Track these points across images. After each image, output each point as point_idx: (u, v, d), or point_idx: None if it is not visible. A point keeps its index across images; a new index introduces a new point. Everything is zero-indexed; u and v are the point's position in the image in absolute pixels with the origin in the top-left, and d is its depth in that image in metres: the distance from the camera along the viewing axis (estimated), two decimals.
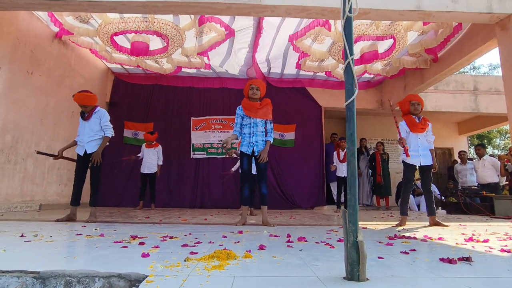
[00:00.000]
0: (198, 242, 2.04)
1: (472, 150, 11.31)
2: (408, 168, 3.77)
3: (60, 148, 3.74)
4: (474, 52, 5.00)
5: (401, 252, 1.82)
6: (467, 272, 1.38)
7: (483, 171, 6.66)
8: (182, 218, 4.18)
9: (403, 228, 3.34)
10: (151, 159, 6.32)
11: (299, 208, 7.38)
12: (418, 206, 7.58)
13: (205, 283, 1.13)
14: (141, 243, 1.97)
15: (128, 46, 5.86)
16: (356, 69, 6.62)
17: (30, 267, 1.27)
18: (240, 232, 2.70)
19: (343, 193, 6.33)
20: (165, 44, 5.86)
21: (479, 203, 6.05)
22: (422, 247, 2.08)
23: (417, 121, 3.74)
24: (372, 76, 7.47)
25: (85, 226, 2.97)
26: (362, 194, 8.03)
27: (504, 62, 4.06)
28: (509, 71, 3.97)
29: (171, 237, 2.25)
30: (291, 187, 7.56)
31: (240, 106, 3.53)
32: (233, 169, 5.93)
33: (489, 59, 33.90)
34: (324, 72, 7.01)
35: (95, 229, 2.71)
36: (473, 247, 2.08)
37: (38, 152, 3.87)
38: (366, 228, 3.28)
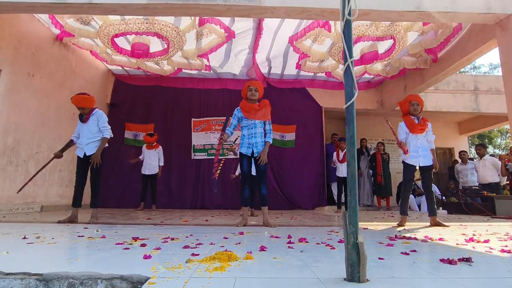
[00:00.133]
0: (200, 244, 2.05)
1: (473, 150, 11.30)
2: (408, 168, 3.78)
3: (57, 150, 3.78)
4: (474, 52, 5.00)
5: (401, 253, 1.83)
6: (467, 273, 1.39)
7: (484, 171, 6.66)
8: (183, 219, 4.19)
9: (404, 229, 3.34)
10: (152, 161, 6.34)
11: (300, 208, 7.38)
12: (419, 206, 7.58)
13: (206, 285, 1.14)
14: (143, 245, 1.98)
15: (129, 48, 5.87)
16: (356, 69, 6.63)
17: (33, 269, 1.28)
18: (241, 233, 2.71)
19: (343, 193, 6.34)
20: (166, 46, 5.87)
21: (480, 203, 6.05)
22: (422, 247, 2.09)
23: (416, 121, 3.75)
24: (372, 76, 7.47)
25: (86, 228, 2.99)
26: (362, 194, 8.02)
27: (504, 62, 4.07)
28: (509, 71, 3.97)
29: (172, 239, 2.26)
30: (292, 187, 7.57)
31: (238, 107, 3.53)
32: (237, 173, 5.92)
33: (489, 59, 33.87)
34: (324, 73, 7.02)
35: (97, 231, 2.72)
36: (473, 247, 2.08)
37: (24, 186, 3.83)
38: (366, 228, 3.28)
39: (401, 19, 4.16)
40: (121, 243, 2.04)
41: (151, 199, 6.37)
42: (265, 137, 3.50)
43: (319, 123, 8.03)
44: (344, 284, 1.18)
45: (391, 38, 5.38)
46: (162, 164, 6.46)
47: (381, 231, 3.06)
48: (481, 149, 6.82)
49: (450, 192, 7.37)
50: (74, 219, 3.51)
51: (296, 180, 7.58)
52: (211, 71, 7.29)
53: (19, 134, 4.92)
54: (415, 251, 1.89)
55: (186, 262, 1.49)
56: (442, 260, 1.59)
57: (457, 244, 2.25)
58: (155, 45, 5.89)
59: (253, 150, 3.44)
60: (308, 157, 7.75)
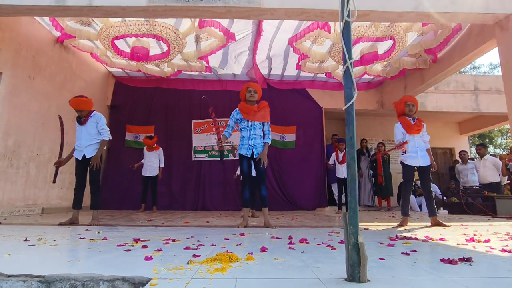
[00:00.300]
0: (201, 245, 2.05)
1: (473, 150, 11.30)
2: (407, 169, 3.79)
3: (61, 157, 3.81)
4: (473, 52, 5.01)
5: (402, 253, 1.83)
6: (468, 273, 1.39)
7: (485, 170, 6.65)
8: (184, 220, 4.19)
9: (404, 229, 3.34)
10: (153, 162, 6.35)
11: (301, 209, 7.38)
12: (420, 206, 7.57)
13: (208, 286, 1.15)
14: (144, 246, 1.98)
15: (128, 51, 5.89)
16: (356, 70, 6.64)
17: (35, 271, 1.29)
18: (242, 234, 2.71)
19: (344, 194, 6.34)
20: (165, 50, 5.89)
21: (481, 203, 6.05)
22: (423, 247, 2.09)
23: (412, 122, 3.76)
24: (372, 77, 7.48)
25: (88, 230, 2.99)
26: (363, 194, 8.01)
27: (504, 62, 4.07)
28: (509, 71, 3.98)
29: (173, 240, 2.26)
30: (292, 188, 7.56)
31: (237, 109, 3.54)
32: (238, 172, 5.92)
33: (489, 59, 33.90)
34: (324, 74, 7.03)
35: (98, 233, 2.72)
36: (474, 247, 2.09)
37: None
38: (367, 229, 3.28)
39: (400, 19, 4.17)
40: (123, 245, 2.04)
41: (152, 201, 6.38)
42: (264, 138, 3.51)
43: (320, 124, 8.03)
44: (344, 284, 1.19)
45: (390, 39, 5.39)
46: (162, 165, 6.47)
47: (382, 232, 3.06)
48: (481, 149, 6.82)
49: (451, 192, 7.37)
50: (75, 221, 3.51)
51: (296, 181, 7.58)
52: (212, 73, 7.30)
53: (20, 136, 4.93)
54: (415, 251, 1.89)
55: (188, 263, 1.49)
56: (442, 260, 1.59)
57: (457, 244, 2.25)
58: (155, 49, 5.91)
59: (253, 152, 3.45)
60: (309, 158, 7.75)
